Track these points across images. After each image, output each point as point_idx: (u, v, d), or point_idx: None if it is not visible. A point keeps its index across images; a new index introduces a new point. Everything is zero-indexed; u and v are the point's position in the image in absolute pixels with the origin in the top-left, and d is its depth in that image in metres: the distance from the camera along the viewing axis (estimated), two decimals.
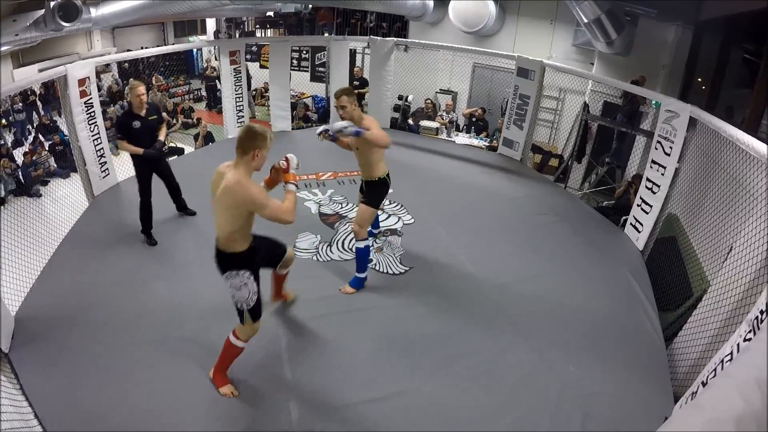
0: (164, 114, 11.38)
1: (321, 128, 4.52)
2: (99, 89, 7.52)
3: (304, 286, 4.80)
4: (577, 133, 7.68)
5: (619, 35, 7.10)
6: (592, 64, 8.71)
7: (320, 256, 5.32)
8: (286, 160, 3.67)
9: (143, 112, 5.31)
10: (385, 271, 5.08)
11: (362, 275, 4.78)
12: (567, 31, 9.12)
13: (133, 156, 5.41)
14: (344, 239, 5.60)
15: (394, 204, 6.43)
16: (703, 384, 2.81)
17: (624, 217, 6.11)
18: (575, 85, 8.65)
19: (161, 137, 5.43)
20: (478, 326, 4.34)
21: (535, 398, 3.64)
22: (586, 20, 6.93)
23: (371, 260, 5.15)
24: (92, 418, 3.44)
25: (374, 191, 4.67)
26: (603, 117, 7.92)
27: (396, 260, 5.23)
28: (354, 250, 4.86)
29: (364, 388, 3.70)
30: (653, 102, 6.83)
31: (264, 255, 3.70)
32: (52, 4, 6.58)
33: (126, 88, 13.76)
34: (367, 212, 4.64)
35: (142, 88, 5.28)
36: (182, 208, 6.07)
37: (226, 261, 3.43)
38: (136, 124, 5.26)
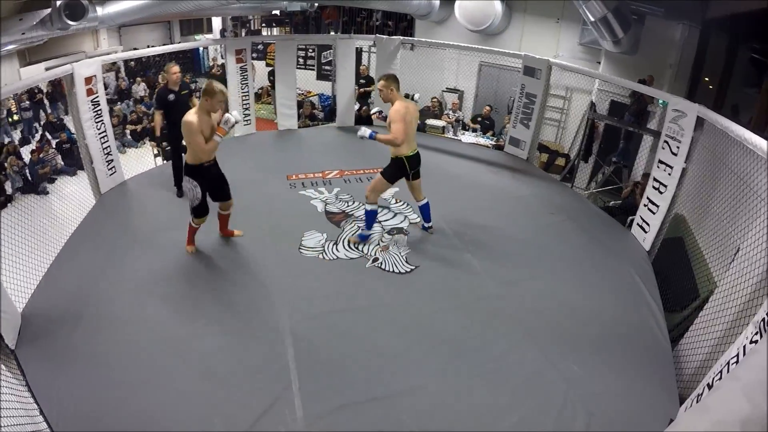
0: None
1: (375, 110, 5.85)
2: (106, 87, 7.56)
3: (311, 284, 4.86)
4: (583, 132, 7.66)
5: (626, 34, 7.07)
6: (599, 63, 8.68)
7: (326, 254, 5.33)
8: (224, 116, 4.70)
9: (177, 88, 6.40)
10: (391, 269, 5.09)
11: (367, 232, 5.57)
12: (574, 30, 9.09)
13: (167, 127, 6.48)
14: (350, 237, 5.61)
15: (401, 203, 6.44)
16: (709, 386, 2.81)
17: (630, 217, 6.09)
18: (582, 84, 8.63)
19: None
20: (485, 325, 4.35)
21: (540, 397, 3.64)
22: (592, 19, 6.91)
23: (377, 259, 5.22)
24: (97, 416, 3.47)
25: (391, 166, 5.44)
26: (610, 116, 7.90)
27: (402, 259, 5.24)
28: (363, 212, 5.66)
29: (370, 387, 3.71)
30: (660, 101, 6.81)
31: (213, 186, 5.07)
32: (58, 3, 6.58)
33: (133, 84, 13.87)
34: (380, 181, 5.43)
35: (177, 68, 6.44)
36: None
37: (185, 169, 4.85)
38: (171, 97, 6.35)
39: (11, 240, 5.17)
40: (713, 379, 2.79)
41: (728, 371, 2.65)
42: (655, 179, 5.67)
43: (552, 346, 4.10)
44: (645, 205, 5.76)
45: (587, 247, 5.64)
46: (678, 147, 5.39)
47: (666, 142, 5.55)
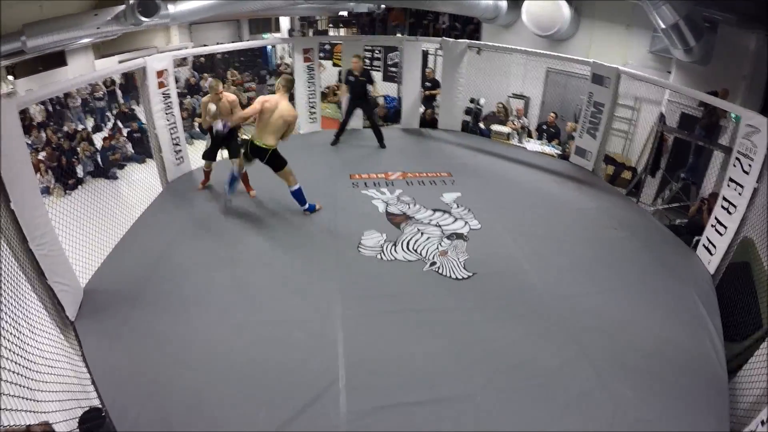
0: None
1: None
2: (177, 81, 8.00)
3: (367, 283, 4.99)
4: (652, 145, 7.46)
5: (698, 42, 6.81)
6: (670, 72, 8.41)
7: (384, 255, 5.46)
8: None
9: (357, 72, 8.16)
10: (448, 274, 5.15)
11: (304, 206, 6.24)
12: (644, 37, 8.79)
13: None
14: (410, 240, 5.71)
15: (462, 208, 6.49)
16: (763, 423, 2.77)
17: (696, 238, 5.88)
18: (652, 95, 8.38)
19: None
20: (538, 338, 4.31)
21: (586, 418, 3.58)
22: (663, 26, 6.70)
23: (435, 263, 5.31)
24: (147, 390, 3.70)
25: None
26: (680, 129, 7.65)
27: (460, 265, 5.29)
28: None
29: (416, 389, 3.77)
30: (733, 115, 6.56)
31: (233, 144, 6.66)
32: (132, 0, 6.94)
33: (201, 80, 14.45)
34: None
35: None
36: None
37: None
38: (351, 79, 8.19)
39: (80, 220, 5.57)
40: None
41: None
42: (724, 198, 5.45)
43: (605, 366, 4.02)
44: (712, 226, 5.54)
45: (649, 266, 5.47)
46: (750, 165, 5.14)
47: (737, 159, 5.33)
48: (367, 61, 12.36)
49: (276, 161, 5.97)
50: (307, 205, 6.22)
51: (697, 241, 5.83)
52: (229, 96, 6.52)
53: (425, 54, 10.50)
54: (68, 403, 3.42)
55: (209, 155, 6.88)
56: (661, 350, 4.25)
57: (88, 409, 3.55)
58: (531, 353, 4.15)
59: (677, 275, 5.35)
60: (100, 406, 3.59)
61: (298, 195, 6.18)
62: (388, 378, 3.86)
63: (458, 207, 6.52)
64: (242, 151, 6.12)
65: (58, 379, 3.55)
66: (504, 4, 9.86)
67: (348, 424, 3.48)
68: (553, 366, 4.02)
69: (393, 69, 12.82)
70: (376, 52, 13.12)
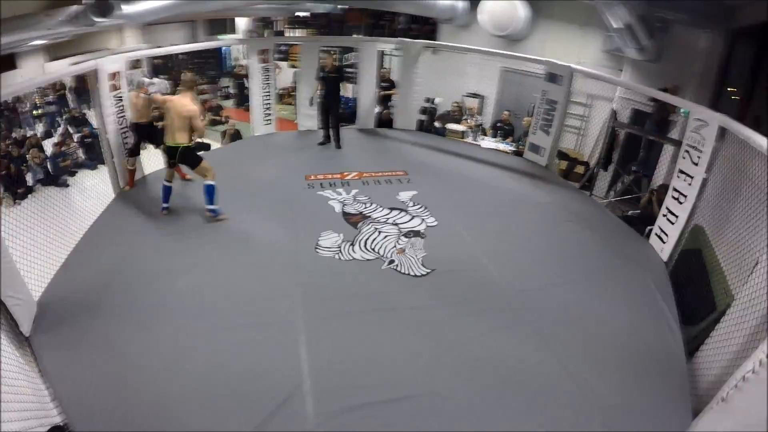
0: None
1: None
2: (130, 83, 7.77)
3: (327, 284, 4.92)
4: (604, 140, 7.61)
5: (651, 41, 7.01)
6: (622, 70, 8.60)
7: (342, 254, 5.39)
8: None
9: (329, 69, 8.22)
10: (407, 272, 5.11)
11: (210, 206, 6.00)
12: (598, 37, 9.01)
13: None
14: (367, 239, 5.65)
15: (418, 206, 6.46)
16: (723, 400, 2.79)
17: (648, 227, 6.02)
18: (604, 92, 8.57)
19: None
20: (501, 332, 4.32)
21: (555, 406, 3.62)
22: (616, 26, 6.86)
23: (393, 261, 5.27)
24: (109, 403, 3.54)
25: None
26: (631, 125, 7.83)
27: (418, 262, 5.26)
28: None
29: (383, 389, 3.73)
30: (682, 111, 6.73)
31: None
32: (88, 0, 6.72)
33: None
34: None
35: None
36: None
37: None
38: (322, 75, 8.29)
39: (30, 230, 5.30)
40: (727, 393, 2.77)
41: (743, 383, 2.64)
42: (674, 189, 5.61)
43: (568, 356, 4.06)
44: (664, 215, 5.70)
45: (605, 256, 5.58)
46: (699, 157, 5.32)
47: (687, 151, 5.50)
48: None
49: (189, 158, 5.98)
50: (213, 207, 6.02)
51: (650, 231, 5.97)
52: (157, 96, 6.24)
53: (381, 54, 10.48)
54: (31, 422, 3.24)
55: (133, 151, 6.82)
56: (620, 337, 4.33)
57: (50, 427, 3.36)
58: (495, 347, 4.15)
59: (633, 264, 5.46)
60: (62, 423, 3.41)
61: (210, 192, 5.98)
62: (353, 378, 3.82)
63: (414, 205, 6.50)
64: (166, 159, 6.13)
65: (18, 398, 3.33)
66: (461, 5, 9.91)
67: (317, 426, 3.42)
68: (518, 359, 4.04)
69: (349, 70, 12.78)
70: (333, 53, 13.05)
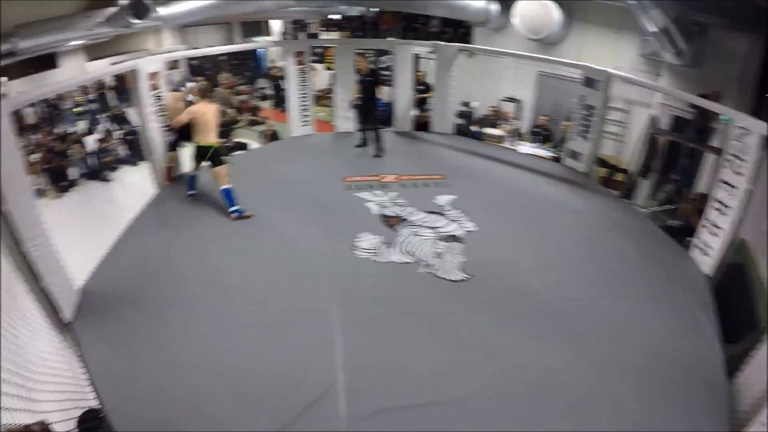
0: (230, 110, 11.89)
1: None
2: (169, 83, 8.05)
3: (363, 285, 5.00)
4: (643, 147, 7.51)
5: (688, 45, 6.87)
6: (660, 75, 8.47)
7: (380, 256, 5.46)
8: None
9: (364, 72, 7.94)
10: (444, 276, 5.16)
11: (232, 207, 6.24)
12: (634, 41, 8.86)
13: None
14: (405, 242, 5.71)
15: (456, 210, 6.49)
16: (762, 424, 2.76)
17: (689, 239, 5.89)
18: (643, 97, 8.41)
19: None
20: (537, 340, 4.31)
21: (586, 419, 3.59)
22: (653, 29, 6.76)
23: (430, 265, 5.32)
24: (142, 392, 3.70)
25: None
26: (671, 132, 7.70)
27: (455, 267, 5.30)
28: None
29: (416, 392, 3.78)
30: (723, 118, 6.61)
31: None
32: (123, 2, 6.93)
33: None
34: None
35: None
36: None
37: None
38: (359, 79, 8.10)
39: (73, 221, 5.53)
40: None
41: None
42: (716, 200, 5.47)
43: (604, 368, 4.03)
44: (706, 227, 5.57)
45: (644, 267, 5.47)
46: (742, 166, 5.19)
47: (729, 160, 5.36)
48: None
49: (216, 159, 6.30)
50: (235, 207, 6.25)
51: (690, 242, 5.85)
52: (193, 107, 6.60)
53: (416, 57, 10.51)
54: (66, 404, 3.40)
55: (172, 146, 7.15)
56: (659, 351, 4.24)
57: (86, 409, 3.53)
58: (529, 356, 4.15)
59: (673, 276, 5.35)
60: (98, 407, 3.58)
61: (228, 195, 6.27)
62: (387, 380, 3.86)
63: (452, 209, 6.53)
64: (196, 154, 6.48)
65: (56, 379, 3.52)
66: (495, 8, 9.86)
67: (348, 426, 3.48)
68: (553, 368, 4.02)
69: (385, 72, 12.82)
70: (368, 55, 13.11)
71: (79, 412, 3.46)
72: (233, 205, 6.21)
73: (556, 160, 8.67)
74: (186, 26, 15.55)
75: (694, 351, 4.27)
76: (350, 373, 3.90)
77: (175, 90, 6.75)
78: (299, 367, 3.94)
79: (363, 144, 8.72)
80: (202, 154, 6.29)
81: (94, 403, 3.62)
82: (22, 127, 11.87)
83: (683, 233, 6.12)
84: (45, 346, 3.76)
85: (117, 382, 3.76)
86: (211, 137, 6.25)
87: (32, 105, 12.70)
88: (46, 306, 4.18)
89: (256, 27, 16.73)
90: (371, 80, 8.34)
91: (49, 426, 3.07)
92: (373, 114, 8.63)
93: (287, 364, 3.98)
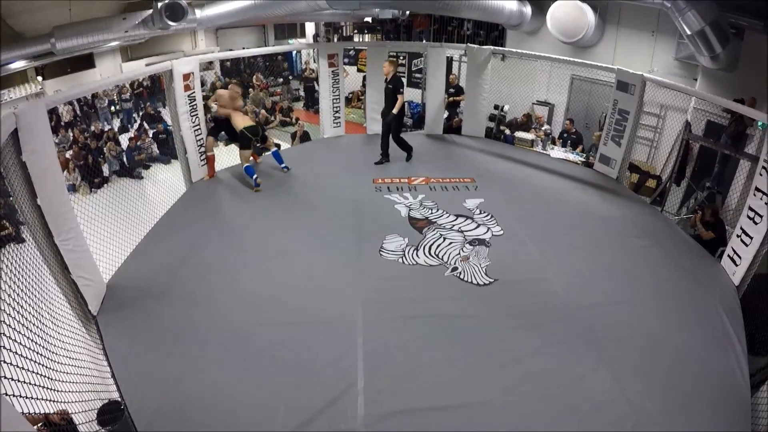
0: (263, 111, 12.15)
1: None
2: (202, 84, 8.21)
3: (388, 287, 5.03)
4: (677, 153, 7.39)
5: (724, 49, 6.74)
6: (695, 79, 8.32)
7: (406, 259, 5.51)
8: None
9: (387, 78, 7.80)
10: (469, 280, 5.16)
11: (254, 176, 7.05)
12: (669, 44, 8.72)
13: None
14: (432, 245, 5.75)
15: (485, 214, 6.50)
16: None
17: (721, 248, 5.79)
18: (677, 102, 8.30)
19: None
20: (559, 347, 4.26)
21: (607, 429, 3.53)
22: (688, 32, 6.65)
23: (456, 268, 5.34)
24: (165, 385, 3.79)
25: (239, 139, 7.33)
26: (705, 137, 7.55)
27: (482, 271, 5.30)
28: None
29: (435, 395, 3.77)
30: (760, 124, 6.47)
31: None
32: (159, 4, 7.18)
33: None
34: (241, 154, 7.35)
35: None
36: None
37: None
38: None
39: (105, 216, 5.74)
40: None
41: None
42: (750, 208, 5.35)
43: (626, 377, 3.95)
44: (738, 236, 5.44)
45: (673, 276, 5.36)
46: None
47: (764, 168, 5.23)
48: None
49: (246, 140, 7.24)
50: (255, 176, 7.11)
51: (722, 252, 5.75)
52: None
53: (449, 60, 10.54)
54: (88, 395, 3.52)
55: (212, 132, 7.66)
56: (683, 362, 4.16)
57: (107, 401, 3.65)
58: (552, 362, 4.11)
59: (702, 286, 5.25)
60: (119, 399, 3.68)
61: (249, 171, 7.17)
62: (406, 383, 3.87)
63: (481, 213, 6.55)
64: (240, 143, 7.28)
65: (79, 371, 3.64)
66: (528, 11, 9.84)
67: (365, 426, 3.50)
68: (574, 376, 3.98)
69: (417, 75, 12.90)
70: (401, 58, 13.22)
71: (100, 404, 3.57)
72: (253, 174, 7.08)
73: (588, 165, 8.59)
74: (220, 28, 15.96)
75: (721, 364, 4.16)
76: (371, 373, 3.93)
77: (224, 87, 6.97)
78: (320, 366, 3.99)
79: (381, 161, 8.26)
80: (254, 133, 7.22)
81: (115, 395, 3.72)
82: (58, 124, 12.37)
83: (714, 242, 6.02)
84: (70, 338, 3.91)
85: (138, 376, 3.85)
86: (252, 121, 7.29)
87: (69, 103, 13.22)
88: (73, 298, 4.31)
89: (289, 29, 17.02)
90: (390, 88, 7.91)
91: (70, 415, 3.22)
92: (390, 126, 8.07)
93: (309, 361, 4.02)
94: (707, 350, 4.31)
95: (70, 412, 3.25)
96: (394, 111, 7.85)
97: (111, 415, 3.55)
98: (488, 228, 6.19)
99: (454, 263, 5.44)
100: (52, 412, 3.02)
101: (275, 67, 16.63)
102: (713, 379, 4.03)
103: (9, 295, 3.24)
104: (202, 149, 7.42)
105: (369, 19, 14.46)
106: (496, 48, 9.91)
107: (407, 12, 12.68)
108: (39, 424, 2.96)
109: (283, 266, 5.35)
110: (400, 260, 5.48)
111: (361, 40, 15.50)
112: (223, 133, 7.77)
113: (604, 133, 8.15)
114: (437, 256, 5.57)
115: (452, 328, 4.48)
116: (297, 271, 5.29)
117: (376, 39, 14.83)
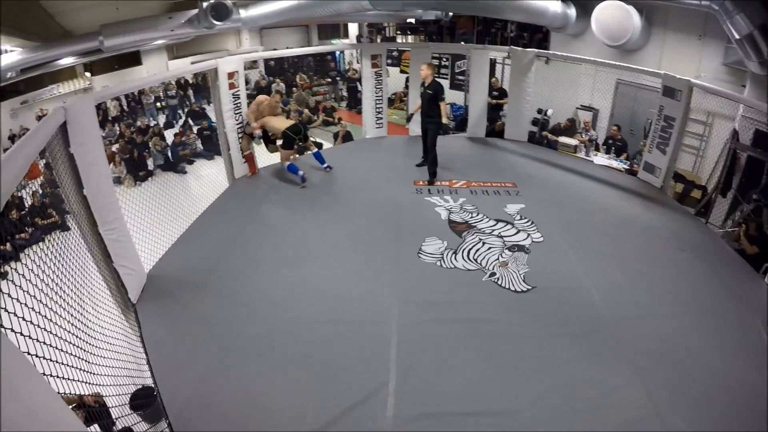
0: (306, 110, 12.39)
1: None
2: (247, 83, 8.42)
3: (425, 289, 5.10)
4: (724, 163, 7.23)
5: None
6: (744, 86, 8.08)
7: (444, 262, 5.57)
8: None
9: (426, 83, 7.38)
10: (507, 286, 5.18)
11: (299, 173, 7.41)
12: (717, 48, 8.45)
13: None
14: (470, 249, 5.80)
15: (525, 220, 6.51)
16: None
17: (766, 264, 5.62)
18: (725, 109, 8.06)
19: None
20: (594, 358, 4.21)
21: None
22: (737, 36, 6.50)
23: (494, 274, 5.37)
24: (199, 376, 3.95)
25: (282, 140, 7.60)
26: (754, 147, 7.34)
27: (520, 277, 5.32)
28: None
29: (465, 400, 3.80)
30: None
31: None
32: (205, 4, 7.41)
33: (273, 83, 15.00)
34: (282, 153, 7.68)
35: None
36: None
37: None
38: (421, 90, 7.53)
39: (148, 208, 6.01)
40: None
41: None
42: None
43: (660, 394, 3.87)
44: None
45: (714, 291, 5.21)
46: None
47: None
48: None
49: (288, 141, 7.49)
50: (300, 173, 7.42)
51: (767, 268, 5.61)
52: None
53: (492, 63, 10.53)
54: (122, 379, 3.72)
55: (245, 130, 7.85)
56: (720, 383, 4.02)
57: (140, 387, 3.86)
58: (585, 373, 4.07)
59: (744, 303, 5.06)
60: (152, 385, 3.87)
61: (292, 169, 7.48)
62: (438, 386, 3.91)
63: (521, 218, 6.56)
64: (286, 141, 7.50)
65: (115, 356, 3.85)
66: (573, 13, 9.73)
67: (394, 427, 3.56)
68: (607, 388, 3.92)
69: (460, 77, 12.91)
70: (444, 59, 13.25)
71: (133, 389, 3.77)
72: (297, 172, 7.40)
73: (632, 173, 8.47)
74: (265, 28, 16.28)
75: (758, 384, 4.02)
76: (402, 374, 3.98)
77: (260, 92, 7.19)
78: (353, 365, 4.06)
79: (422, 164, 8.18)
80: (296, 132, 7.40)
81: (149, 382, 3.91)
82: (105, 119, 12.89)
83: (760, 257, 5.89)
84: (109, 324, 4.14)
85: (173, 364, 4.02)
86: (287, 122, 7.54)
87: (116, 99, 13.74)
88: (113, 286, 4.54)
89: (333, 29, 17.23)
90: (430, 94, 7.38)
91: (103, 398, 3.41)
92: (429, 134, 7.68)
93: (341, 360, 4.10)
94: (745, 370, 4.17)
95: (103, 395, 3.43)
96: (443, 120, 7.44)
97: (144, 400, 3.73)
98: (528, 234, 6.19)
99: (493, 268, 5.46)
100: (87, 393, 3.17)
101: (323, 67, 16.85)
102: (751, 401, 3.88)
103: (53, 280, 3.40)
104: None
105: (412, 20, 14.51)
106: (540, 51, 9.86)
107: (450, 13, 12.72)
108: (73, 405, 3.07)
109: (320, 265, 5.46)
110: (438, 263, 5.54)
111: (404, 41, 15.57)
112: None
113: (649, 140, 8.02)
114: (476, 260, 5.61)
115: (486, 334, 4.49)
116: (336, 269, 5.40)
117: (419, 40, 14.87)
